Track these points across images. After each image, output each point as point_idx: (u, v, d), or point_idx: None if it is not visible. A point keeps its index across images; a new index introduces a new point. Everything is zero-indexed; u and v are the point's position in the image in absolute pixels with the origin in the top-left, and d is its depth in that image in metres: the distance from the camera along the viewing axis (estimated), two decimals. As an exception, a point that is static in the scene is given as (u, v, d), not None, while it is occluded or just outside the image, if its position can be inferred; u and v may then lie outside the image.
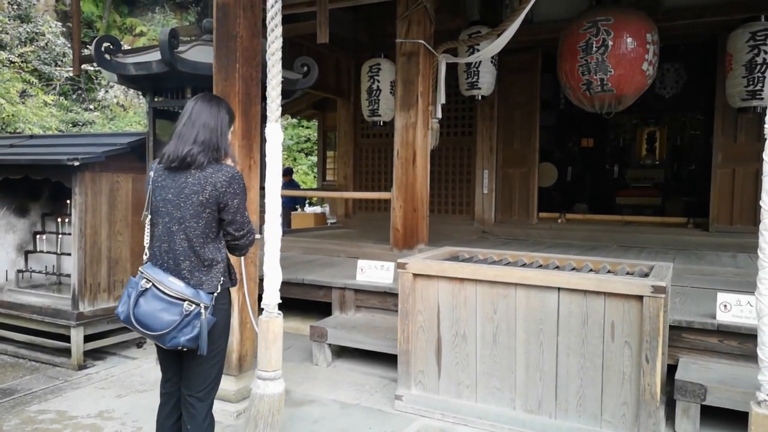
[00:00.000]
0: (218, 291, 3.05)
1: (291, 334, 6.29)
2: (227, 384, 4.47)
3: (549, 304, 4.11)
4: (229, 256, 3.21)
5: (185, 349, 2.96)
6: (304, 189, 17.57)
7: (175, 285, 2.94)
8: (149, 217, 3.12)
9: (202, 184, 2.96)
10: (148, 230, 3.17)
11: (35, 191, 6.49)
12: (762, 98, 6.80)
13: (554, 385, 4.12)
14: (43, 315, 5.74)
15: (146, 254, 3.16)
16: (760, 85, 6.75)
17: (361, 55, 9.94)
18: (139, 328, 2.92)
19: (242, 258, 3.58)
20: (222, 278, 3.08)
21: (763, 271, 2.44)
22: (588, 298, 3.99)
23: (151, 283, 2.94)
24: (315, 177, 17.94)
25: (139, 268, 3.03)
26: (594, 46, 6.85)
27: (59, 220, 6.34)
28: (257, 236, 4.14)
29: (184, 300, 2.91)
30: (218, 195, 2.98)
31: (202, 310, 2.93)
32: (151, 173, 3.11)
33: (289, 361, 5.63)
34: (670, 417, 4.22)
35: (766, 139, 2.42)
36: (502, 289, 4.26)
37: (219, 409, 4.37)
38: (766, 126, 2.41)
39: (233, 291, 3.44)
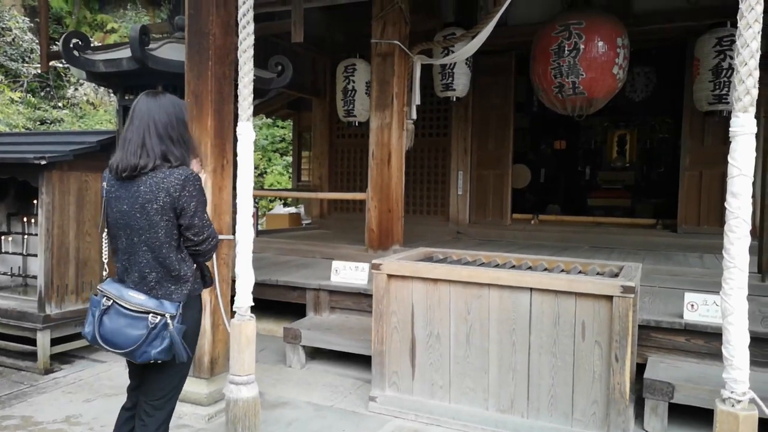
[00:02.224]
0: (186, 298, 2.96)
1: (265, 336, 6.28)
2: (199, 387, 4.45)
3: (521, 305, 4.16)
4: None
5: (159, 362, 2.87)
6: (277, 189, 17.50)
7: (135, 299, 2.84)
8: (107, 230, 3.05)
9: (154, 191, 2.82)
10: (107, 244, 3.12)
11: (0, 191, 6.34)
12: (728, 102, 6.91)
13: (526, 384, 4.16)
14: (8, 318, 5.62)
15: (105, 270, 3.11)
16: (726, 89, 6.86)
17: (336, 55, 9.95)
18: (106, 347, 2.83)
19: (215, 258, 3.47)
20: (192, 286, 3.00)
21: (727, 271, 2.49)
22: (559, 298, 4.04)
23: (111, 300, 2.84)
24: (290, 177, 17.86)
25: (98, 286, 2.92)
26: (566, 49, 6.92)
27: (25, 220, 6.23)
28: (229, 237, 4.14)
29: (148, 312, 2.81)
30: (173, 200, 2.83)
31: (169, 320, 2.82)
32: (104, 184, 2.99)
33: (263, 363, 5.63)
34: (639, 415, 4.28)
35: (731, 143, 2.47)
36: (476, 289, 4.30)
37: (190, 412, 4.39)
38: (731, 130, 2.46)
39: (205, 292, 3.42)
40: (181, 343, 2.83)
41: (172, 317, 2.83)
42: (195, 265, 3.03)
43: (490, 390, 4.29)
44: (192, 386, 4.37)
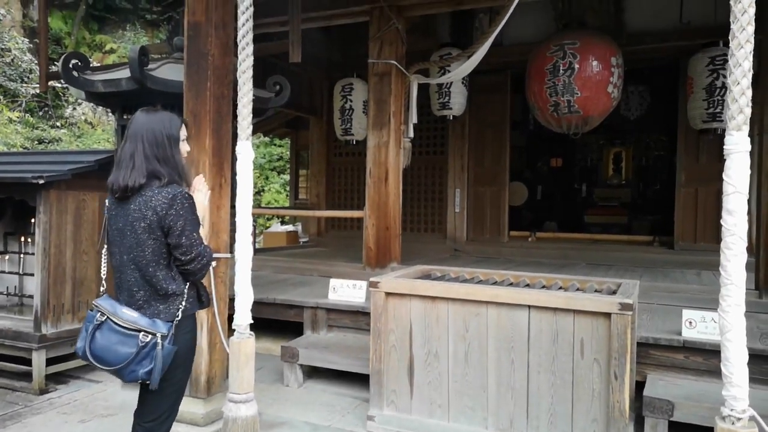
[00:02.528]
0: (179, 318, 2.92)
1: (262, 355, 6.26)
2: (195, 407, 4.43)
3: (520, 322, 4.15)
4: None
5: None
6: (275, 207, 17.51)
7: (127, 315, 2.83)
8: (106, 247, 3.09)
9: (142, 209, 2.84)
10: (105, 262, 3.13)
11: (-3, 210, 6.32)
12: (722, 120, 6.97)
13: (525, 403, 4.15)
14: (3, 337, 5.59)
15: (103, 286, 3.09)
16: (720, 108, 6.93)
17: (334, 74, 9.99)
18: (95, 363, 2.83)
19: (212, 277, 3.46)
20: (183, 305, 2.94)
21: (725, 288, 2.50)
22: (558, 316, 4.04)
23: (105, 316, 2.83)
24: (287, 195, 17.87)
25: (93, 302, 2.92)
26: (561, 68, 6.98)
27: (22, 239, 6.21)
28: (226, 256, 4.15)
29: (140, 331, 2.79)
30: (160, 219, 2.83)
31: (159, 340, 2.80)
32: (107, 202, 3.03)
33: (260, 382, 5.60)
34: (639, 433, 4.28)
35: (726, 161, 2.49)
36: (474, 307, 4.29)
37: (185, 432, 4.38)
38: (725, 148, 2.48)
39: (202, 312, 3.43)
40: (162, 368, 2.82)
41: (164, 337, 2.82)
42: (187, 283, 3.00)
43: (489, 409, 4.27)
44: (188, 406, 4.35)
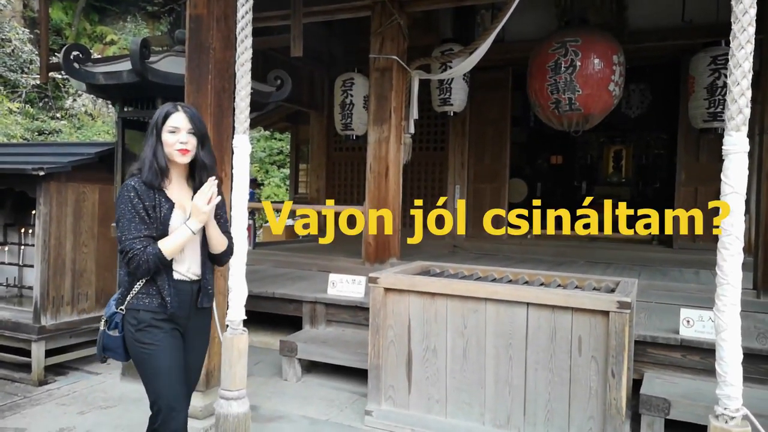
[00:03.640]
0: (122, 308, 3.04)
1: (260, 349, 6.28)
2: (194, 400, 4.39)
3: (518, 319, 4.17)
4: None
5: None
6: (274, 202, 17.52)
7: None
8: None
9: None
10: None
11: (-3, 201, 6.33)
12: (722, 120, 6.91)
13: (523, 399, 4.17)
14: (2, 329, 5.60)
15: None
16: (721, 107, 6.91)
17: (335, 69, 9.99)
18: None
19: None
20: (129, 299, 3.02)
21: (720, 288, 2.51)
22: (556, 313, 4.05)
23: None
24: (287, 189, 17.87)
25: None
26: (562, 66, 6.97)
27: (22, 230, 6.22)
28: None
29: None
30: None
31: (102, 323, 3.11)
32: None
33: (259, 376, 5.63)
34: (635, 431, 4.28)
35: (724, 161, 2.50)
36: (473, 303, 4.31)
37: (185, 425, 4.38)
38: (724, 148, 2.49)
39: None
40: (102, 347, 3.12)
41: (105, 320, 3.09)
42: (134, 277, 3.01)
43: (486, 404, 4.29)
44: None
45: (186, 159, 3.07)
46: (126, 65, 5.17)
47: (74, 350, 5.81)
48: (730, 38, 2.48)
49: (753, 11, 2.42)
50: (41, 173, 5.26)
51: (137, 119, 5.59)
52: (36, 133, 18.09)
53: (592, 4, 8.05)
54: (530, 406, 4.14)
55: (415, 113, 7.50)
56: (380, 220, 7.07)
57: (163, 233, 3.00)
